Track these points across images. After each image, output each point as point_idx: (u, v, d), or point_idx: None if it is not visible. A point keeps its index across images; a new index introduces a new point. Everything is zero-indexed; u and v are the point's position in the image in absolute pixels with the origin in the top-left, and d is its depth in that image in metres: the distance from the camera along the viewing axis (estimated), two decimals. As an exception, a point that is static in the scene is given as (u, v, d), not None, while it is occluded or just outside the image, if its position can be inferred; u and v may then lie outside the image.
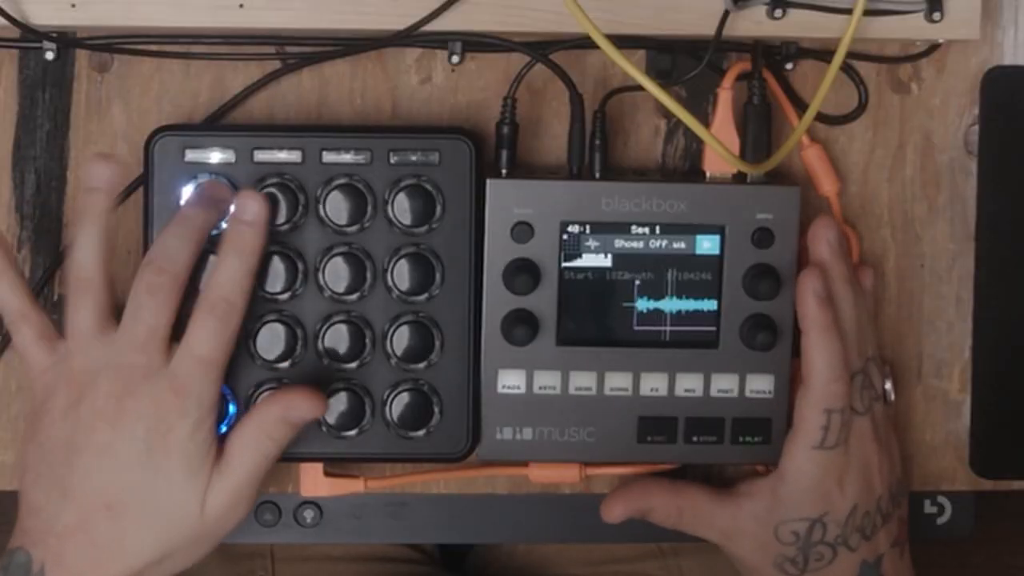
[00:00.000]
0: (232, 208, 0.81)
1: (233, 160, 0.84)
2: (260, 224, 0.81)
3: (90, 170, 0.80)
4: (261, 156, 0.84)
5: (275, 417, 0.80)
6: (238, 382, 0.85)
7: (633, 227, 0.85)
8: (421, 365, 0.85)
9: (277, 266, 0.84)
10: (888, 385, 0.88)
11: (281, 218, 0.84)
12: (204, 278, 0.81)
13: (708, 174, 0.87)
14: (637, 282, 0.85)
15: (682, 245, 0.85)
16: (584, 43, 0.84)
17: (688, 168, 0.90)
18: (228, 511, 0.80)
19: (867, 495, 0.85)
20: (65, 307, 0.80)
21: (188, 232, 0.80)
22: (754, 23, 0.86)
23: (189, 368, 0.78)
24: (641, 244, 0.85)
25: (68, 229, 0.88)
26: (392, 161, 0.84)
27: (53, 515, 0.78)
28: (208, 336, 0.79)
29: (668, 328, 0.86)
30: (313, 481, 0.88)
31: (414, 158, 0.84)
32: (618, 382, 0.86)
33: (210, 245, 0.81)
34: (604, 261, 0.85)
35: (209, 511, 0.79)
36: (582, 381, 0.86)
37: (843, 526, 0.84)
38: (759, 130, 0.86)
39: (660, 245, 0.85)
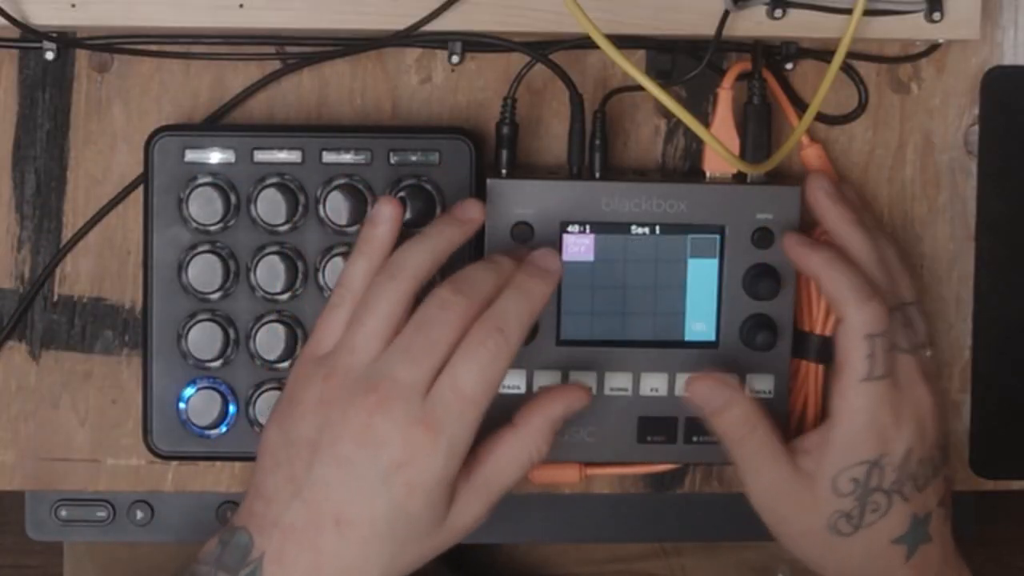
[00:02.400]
0: (533, 255, 0.79)
1: (233, 160, 0.84)
2: (554, 279, 0.78)
3: (463, 205, 0.79)
4: (261, 156, 0.84)
5: (556, 419, 0.77)
6: (238, 382, 0.85)
7: (633, 227, 0.85)
8: (421, 365, 0.85)
9: (277, 266, 0.84)
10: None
11: (281, 218, 0.84)
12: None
13: (708, 174, 0.87)
14: (637, 282, 0.85)
15: (682, 245, 0.85)
16: (584, 43, 0.84)
17: (688, 168, 0.90)
18: (471, 523, 0.77)
19: (921, 439, 0.82)
20: (361, 301, 0.77)
21: (494, 271, 0.77)
22: (754, 23, 0.86)
23: (448, 402, 0.74)
24: (641, 244, 0.85)
25: (69, 228, 0.88)
26: (392, 161, 0.84)
27: (283, 508, 0.75)
28: (475, 370, 0.74)
29: (668, 328, 0.86)
30: (313, 481, 0.88)
31: (414, 158, 0.84)
32: (618, 382, 0.86)
33: (208, 245, 0.81)
34: (604, 261, 0.85)
35: (450, 526, 0.76)
36: (582, 381, 0.86)
37: (899, 470, 0.81)
38: (759, 130, 0.86)
39: (660, 245, 0.85)
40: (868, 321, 0.80)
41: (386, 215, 0.78)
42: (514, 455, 0.77)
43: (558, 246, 0.84)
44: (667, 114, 0.89)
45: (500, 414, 0.86)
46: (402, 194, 0.84)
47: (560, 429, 0.79)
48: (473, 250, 0.84)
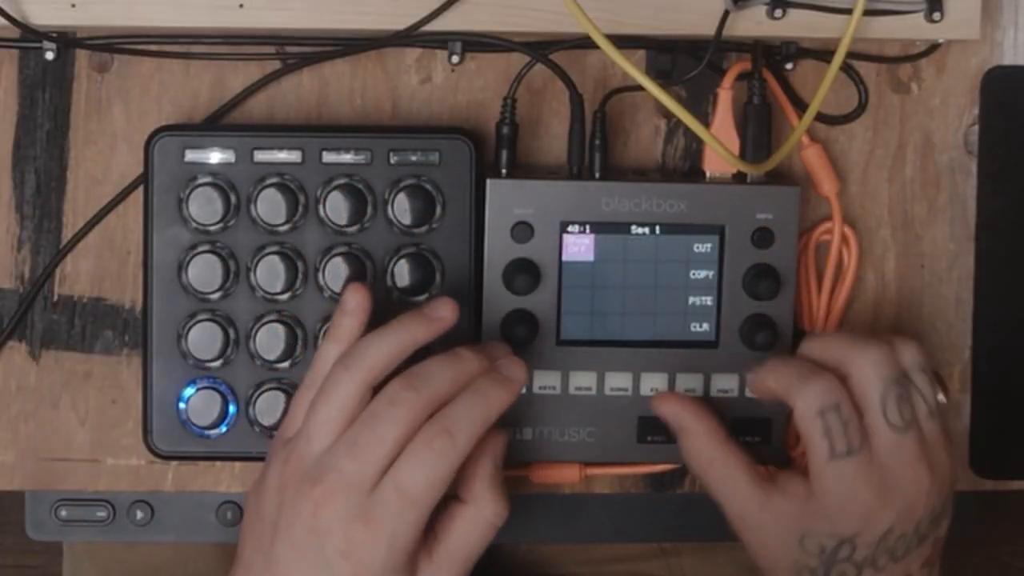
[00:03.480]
0: (497, 361, 0.78)
1: (233, 160, 0.84)
2: (515, 389, 0.78)
3: (437, 303, 0.79)
4: (261, 156, 0.84)
5: (492, 477, 0.78)
6: (238, 382, 0.85)
7: (633, 227, 0.85)
8: (421, 365, 0.85)
9: (277, 266, 0.84)
10: (941, 397, 0.83)
11: (281, 218, 0.84)
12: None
13: (708, 174, 0.87)
14: (637, 282, 0.85)
15: (682, 245, 0.85)
16: (584, 43, 0.84)
17: (688, 168, 0.90)
18: None
19: (906, 518, 0.80)
20: (320, 388, 0.78)
21: (455, 369, 0.77)
22: (754, 23, 0.86)
23: (389, 500, 0.74)
24: (641, 244, 0.85)
25: (68, 229, 0.88)
26: (392, 161, 0.84)
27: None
28: (419, 469, 0.74)
29: (668, 328, 0.86)
30: (313, 481, 0.88)
31: (414, 158, 0.84)
32: (618, 382, 0.86)
33: (208, 245, 0.81)
34: (604, 261, 0.85)
35: None
36: (582, 381, 0.86)
37: (874, 547, 0.80)
38: (759, 130, 0.86)
39: (660, 245, 0.85)
40: (814, 399, 0.79)
41: (352, 306, 0.79)
42: (471, 527, 0.78)
43: (558, 246, 0.84)
44: (667, 114, 0.89)
45: (503, 414, 0.86)
46: (399, 196, 0.84)
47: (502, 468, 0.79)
48: (475, 251, 0.84)
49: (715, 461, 0.81)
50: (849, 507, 0.79)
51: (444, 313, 0.79)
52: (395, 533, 0.75)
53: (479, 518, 0.78)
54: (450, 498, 0.78)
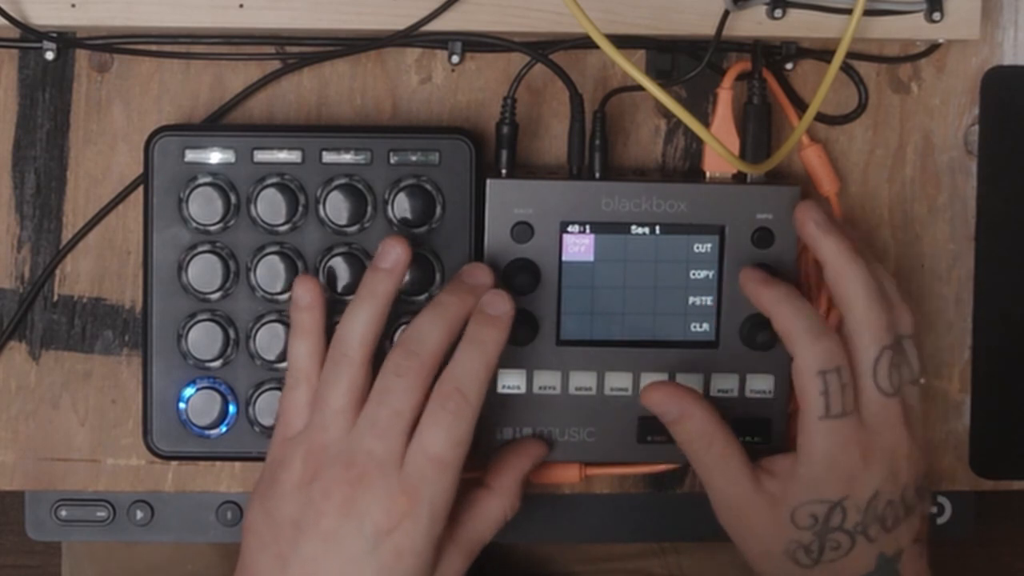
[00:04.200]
0: (483, 300, 0.80)
1: (233, 160, 0.84)
2: (505, 323, 0.79)
3: (383, 249, 0.80)
4: (261, 156, 0.84)
5: (525, 473, 0.82)
6: (238, 382, 0.85)
7: (633, 227, 0.85)
8: (421, 365, 0.85)
9: (277, 266, 0.84)
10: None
11: (281, 218, 0.84)
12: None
13: (708, 174, 0.87)
14: (637, 282, 0.85)
15: (682, 245, 0.85)
16: (584, 43, 0.84)
17: (688, 168, 0.90)
18: (463, 570, 0.80)
19: (891, 482, 0.80)
20: (321, 380, 0.79)
21: (442, 318, 0.78)
22: (754, 23, 0.86)
23: (421, 468, 0.76)
24: (641, 244, 0.85)
25: (68, 229, 0.89)
26: (392, 161, 0.84)
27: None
28: (441, 433, 0.76)
29: (668, 328, 0.86)
30: (313, 481, 0.88)
31: (414, 158, 0.84)
32: (618, 382, 0.86)
33: (208, 245, 0.81)
34: (604, 261, 0.85)
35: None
36: (582, 381, 0.86)
37: (863, 512, 0.80)
38: (759, 130, 0.86)
39: (660, 245, 0.85)
40: (819, 358, 0.79)
41: (306, 302, 0.80)
42: (491, 514, 0.81)
43: (558, 246, 0.84)
44: (667, 114, 0.89)
45: (503, 414, 0.86)
46: (399, 196, 0.84)
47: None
48: (475, 251, 0.84)
49: (716, 440, 0.81)
50: (836, 468, 0.80)
51: (397, 255, 0.79)
52: (433, 499, 0.76)
53: (499, 508, 0.81)
54: (471, 486, 0.81)
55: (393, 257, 0.80)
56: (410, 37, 0.85)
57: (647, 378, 0.86)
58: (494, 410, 0.86)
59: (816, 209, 0.82)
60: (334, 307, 0.84)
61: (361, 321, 0.79)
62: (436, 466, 0.76)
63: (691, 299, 0.86)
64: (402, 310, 0.85)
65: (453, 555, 0.79)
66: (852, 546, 0.81)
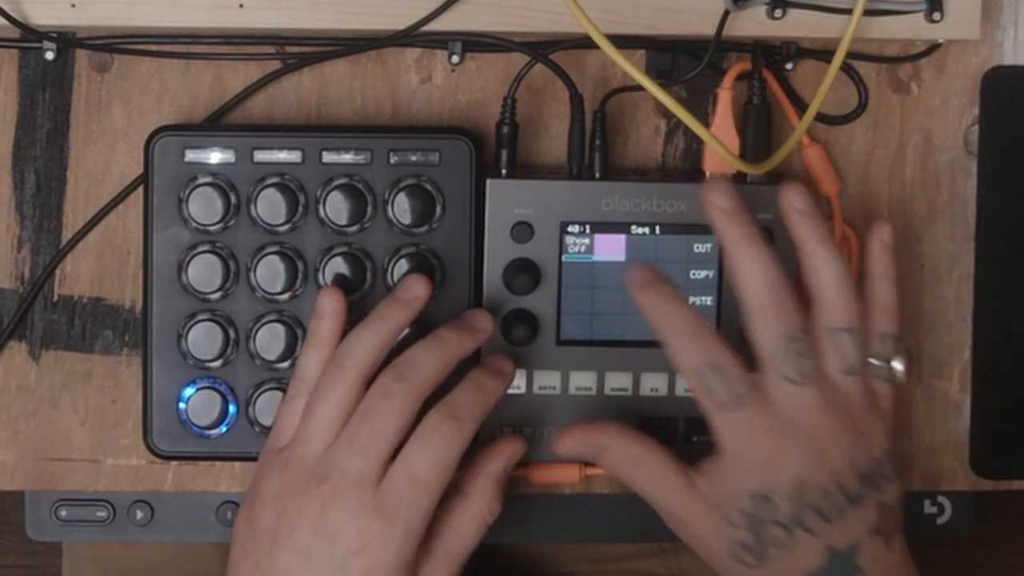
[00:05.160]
0: (489, 358, 0.82)
1: (233, 160, 0.84)
2: (507, 380, 0.81)
3: (406, 282, 0.81)
4: (261, 156, 0.84)
5: (498, 475, 0.80)
6: (238, 382, 0.85)
7: (633, 227, 0.85)
8: (421, 365, 0.85)
9: (277, 266, 0.84)
10: (897, 364, 0.82)
11: (281, 218, 0.84)
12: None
13: (708, 174, 0.87)
14: (637, 282, 0.85)
15: (682, 245, 0.85)
16: (584, 43, 0.84)
17: (688, 168, 0.90)
18: None
19: (815, 468, 0.78)
20: (312, 392, 0.79)
21: (439, 351, 0.78)
22: (754, 23, 0.86)
23: (400, 488, 0.76)
24: (641, 244, 0.85)
25: (68, 229, 0.88)
26: (392, 161, 0.84)
27: None
28: (428, 456, 0.76)
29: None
30: (313, 481, 0.88)
31: (414, 158, 0.84)
32: (618, 382, 0.86)
33: (208, 245, 0.81)
34: (604, 261, 0.85)
35: None
36: (582, 381, 0.86)
37: (793, 502, 0.78)
38: (759, 130, 0.86)
39: (660, 245, 0.85)
40: (688, 356, 0.79)
41: (328, 309, 0.80)
42: (469, 521, 0.79)
43: (558, 246, 0.84)
44: (667, 114, 0.90)
45: (503, 414, 0.86)
46: (399, 196, 0.84)
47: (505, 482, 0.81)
48: (475, 251, 0.84)
49: (640, 458, 0.81)
50: (747, 457, 0.79)
51: (417, 292, 0.81)
52: (408, 521, 0.76)
53: (476, 511, 0.80)
54: (445, 494, 0.78)
55: (413, 292, 0.80)
56: (410, 37, 0.85)
57: (647, 378, 0.86)
58: (494, 410, 0.86)
59: (798, 193, 0.81)
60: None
61: (366, 340, 0.79)
62: (417, 488, 0.76)
63: (691, 299, 0.86)
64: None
65: (432, 569, 0.78)
66: (792, 540, 0.78)
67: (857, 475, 0.79)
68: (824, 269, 0.81)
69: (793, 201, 0.82)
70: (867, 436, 0.80)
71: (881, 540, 0.80)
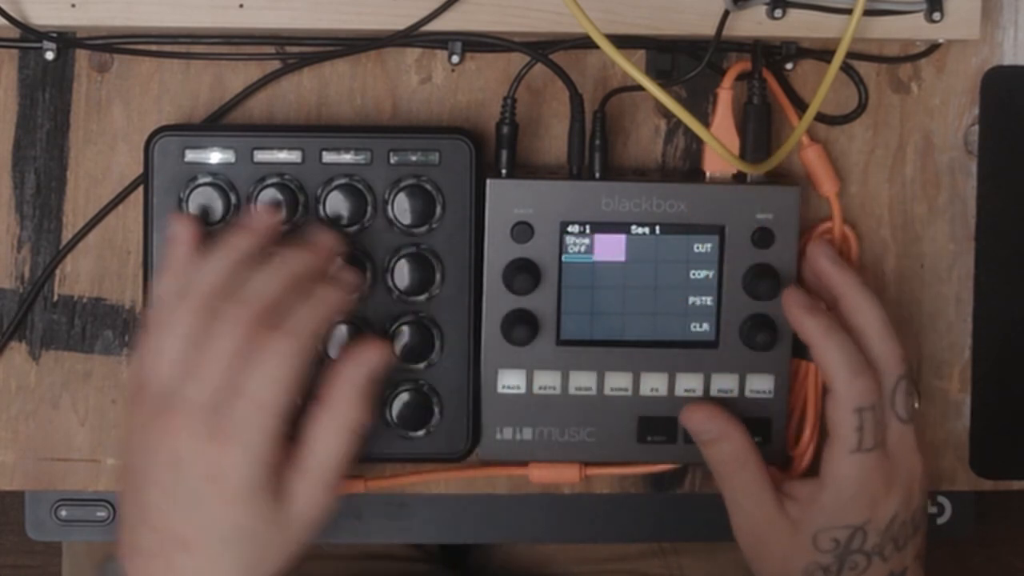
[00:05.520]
0: (338, 271, 0.80)
1: (233, 160, 0.84)
2: (352, 287, 0.80)
3: (171, 226, 0.80)
4: (261, 156, 0.84)
5: (358, 383, 0.77)
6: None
7: (633, 227, 0.85)
8: (421, 365, 0.85)
9: (277, 266, 0.84)
10: (914, 402, 0.87)
11: (281, 218, 0.84)
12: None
13: (708, 174, 0.87)
14: (637, 282, 0.85)
15: (682, 245, 0.85)
16: (584, 43, 0.84)
17: (688, 168, 0.90)
18: (316, 511, 0.77)
19: (908, 504, 0.83)
20: (159, 323, 0.78)
21: (277, 270, 0.77)
22: (754, 23, 0.86)
23: (239, 412, 0.74)
24: (641, 244, 0.85)
25: (68, 230, 0.88)
26: (392, 161, 0.84)
27: (137, 535, 0.76)
28: (260, 376, 0.74)
29: (668, 328, 0.86)
30: (313, 481, 0.88)
31: (414, 158, 0.84)
32: (618, 382, 0.86)
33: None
34: (604, 261, 0.85)
35: (295, 521, 0.76)
36: (582, 381, 0.86)
37: (882, 535, 0.83)
38: (759, 130, 0.86)
39: (660, 245, 0.85)
40: (858, 395, 0.81)
41: (177, 233, 0.80)
42: (332, 431, 0.77)
43: (558, 246, 0.84)
44: (667, 114, 0.89)
45: (503, 413, 0.86)
46: (399, 196, 0.84)
47: (376, 390, 0.78)
48: (475, 251, 0.84)
49: (749, 463, 0.83)
50: (861, 496, 0.82)
51: (267, 221, 0.80)
52: (250, 443, 0.74)
53: (337, 418, 0.77)
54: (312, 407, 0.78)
55: (263, 221, 0.80)
56: (410, 37, 0.85)
57: (647, 378, 0.86)
58: (494, 410, 0.86)
59: (826, 245, 0.86)
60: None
61: (208, 269, 0.77)
62: (253, 408, 0.74)
63: (691, 299, 0.86)
64: (400, 310, 0.85)
65: (306, 486, 0.76)
66: (868, 566, 0.83)
67: (923, 507, 0.84)
68: (874, 318, 0.84)
69: (824, 251, 0.85)
70: (927, 467, 0.85)
71: (919, 563, 0.85)
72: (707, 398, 0.86)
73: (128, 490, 0.77)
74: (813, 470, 0.86)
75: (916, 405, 0.87)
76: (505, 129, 0.85)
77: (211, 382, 0.75)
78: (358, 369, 0.77)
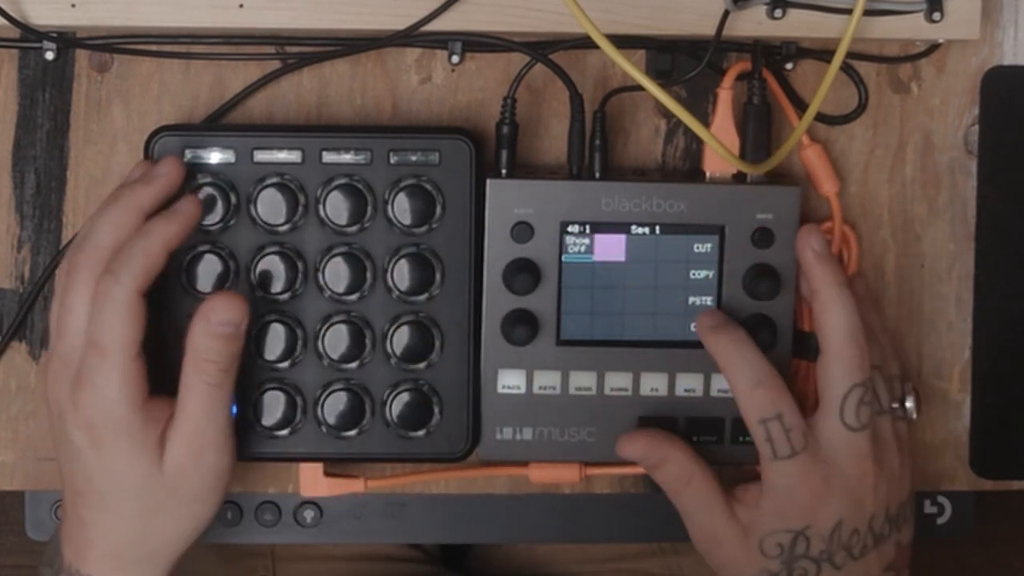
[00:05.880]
0: (177, 204, 0.80)
1: (233, 160, 0.84)
2: (184, 217, 0.79)
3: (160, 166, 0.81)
4: (261, 156, 0.84)
5: (201, 337, 0.78)
6: (238, 382, 0.85)
7: (633, 227, 0.85)
8: (421, 365, 0.85)
9: (277, 266, 0.84)
10: (909, 403, 0.86)
11: (281, 218, 0.84)
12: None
13: (708, 174, 0.87)
14: (637, 282, 0.85)
15: (682, 245, 0.85)
16: (584, 43, 0.84)
17: (688, 168, 0.90)
18: (190, 461, 0.79)
19: (856, 511, 0.83)
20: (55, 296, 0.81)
21: (116, 212, 0.79)
22: (754, 23, 0.86)
23: (88, 358, 0.77)
24: (641, 244, 0.85)
25: (68, 230, 0.88)
26: (392, 161, 0.84)
27: (63, 494, 0.81)
28: (99, 322, 0.77)
29: (668, 328, 0.86)
30: (313, 481, 0.88)
31: (414, 158, 0.84)
32: (618, 382, 0.86)
33: (211, 245, 0.82)
34: (604, 261, 0.85)
35: (170, 469, 0.78)
36: (582, 381, 0.86)
37: (827, 541, 0.82)
38: (759, 130, 0.86)
39: (660, 245, 0.85)
40: (759, 408, 0.82)
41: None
42: (187, 380, 0.78)
43: (558, 246, 0.84)
44: (667, 114, 0.89)
45: (503, 413, 0.86)
46: (399, 196, 0.84)
47: (236, 347, 0.79)
48: (475, 251, 0.84)
49: (695, 477, 0.84)
50: (796, 500, 0.82)
51: (163, 170, 0.80)
52: (103, 386, 0.77)
53: (189, 374, 0.78)
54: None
55: (159, 171, 0.80)
56: (410, 37, 0.85)
57: (647, 378, 0.86)
58: (494, 410, 0.86)
59: (818, 237, 0.84)
60: (332, 307, 0.84)
61: (98, 227, 0.79)
62: (99, 354, 0.77)
63: (691, 299, 0.86)
64: (400, 309, 0.85)
65: (175, 437, 0.78)
66: (818, 572, 0.83)
67: (886, 518, 0.84)
68: (841, 316, 0.83)
69: (812, 243, 0.84)
70: (900, 481, 0.85)
71: (891, 574, 0.84)
72: (707, 397, 0.86)
73: (56, 452, 0.81)
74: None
75: (910, 406, 0.86)
76: (505, 129, 0.85)
77: (72, 335, 0.78)
78: (199, 322, 0.78)
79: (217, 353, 0.78)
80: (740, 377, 0.82)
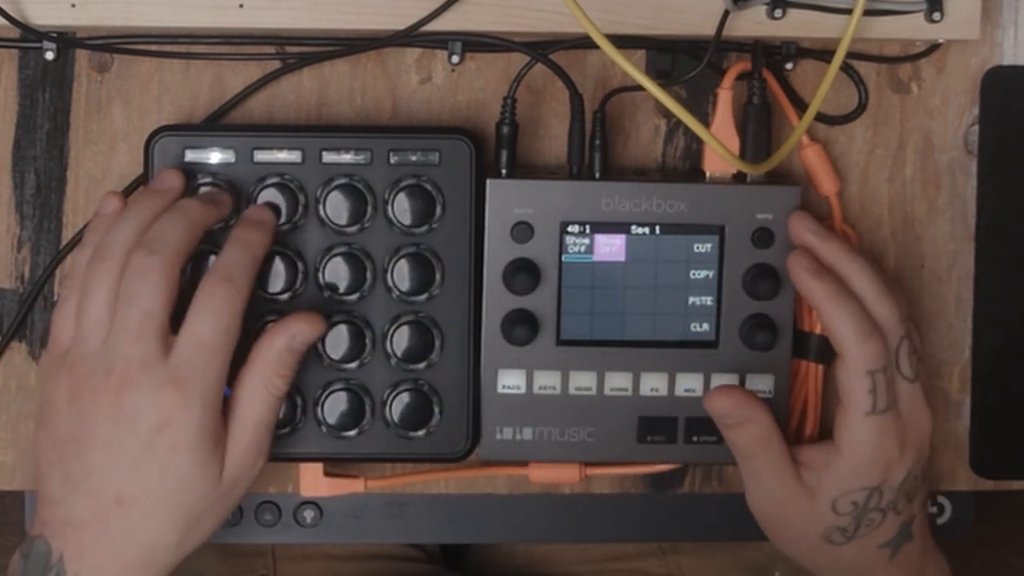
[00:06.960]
0: (247, 211, 0.82)
1: (233, 160, 0.84)
2: (268, 228, 0.81)
3: (103, 203, 0.81)
4: (261, 156, 0.84)
5: (280, 350, 0.78)
6: (238, 382, 0.85)
7: (633, 227, 0.85)
8: (421, 365, 0.85)
9: (277, 266, 0.84)
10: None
11: (281, 218, 0.84)
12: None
13: (708, 174, 0.87)
14: (637, 282, 0.85)
15: (682, 245, 0.85)
16: (584, 43, 0.84)
17: (688, 168, 0.90)
18: (246, 471, 0.79)
19: (918, 460, 0.84)
20: (81, 291, 0.79)
21: (183, 219, 0.79)
22: (754, 23, 0.86)
23: (190, 355, 0.76)
24: (641, 244, 0.85)
25: (68, 229, 0.88)
26: (392, 161, 0.84)
27: (68, 507, 0.77)
28: (210, 320, 0.76)
29: (668, 328, 0.86)
30: (313, 481, 0.88)
31: (414, 158, 0.84)
32: (618, 382, 0.86)
33: (212, 246, 0.81)
34: (604, 261, 0.85)
35: (227, 479, 0.78)
36: (582, 381, 0.86)
37: (895, 492, 0.83)
38: (759, 130, 0.86)
39: (660, 245, 0.85)
40: (870, 358, 0.82)
41: (110, 210, 0.81)
42: (254, 392, 0.79)
43: (558, 246, 0.84)
44: (667, 114, 0.89)
45: (503, 413, 0.86)
46: (399, 196, 0.84)
47: (299, 359, 0.80)
48: (475, 251, 0.84)
49: (773, 441, 0.83)
50: (877, 458, 0.83)
51: (172, 183, 0.81)
52: (204, 387, 0.76)
53: (258, 383, 0.79)
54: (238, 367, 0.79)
55: (169, 183, 0.81)
56: (410, 37, 0.85)
57: (647, 378, 0.86)
58: (494, 410, 0.86)
59: (807, 218, 0.84)
60: (331, 307, 0.84)
61: (127, 227, 0.79)
62: (204, 352, 0.76)
63: (691, 299, 0.86)
64: (400, 309, 0.85)
65: (237, 445, 0.78)
66: (883, 521, 0.84)
67: (928, 458, 0.86)
68: (856, 275, 0.83)
69: (806, 224, 0.84)
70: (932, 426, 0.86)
71: (924, 510, 0.86)
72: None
73: (56, 464, 0.78)
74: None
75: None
76: (505, 129, 0.85)
77: (150, 336, 0.77)
78: (281, 338, 0.79)
79: (291, 368, 0.79)
80: (850, 328, 0.82)
